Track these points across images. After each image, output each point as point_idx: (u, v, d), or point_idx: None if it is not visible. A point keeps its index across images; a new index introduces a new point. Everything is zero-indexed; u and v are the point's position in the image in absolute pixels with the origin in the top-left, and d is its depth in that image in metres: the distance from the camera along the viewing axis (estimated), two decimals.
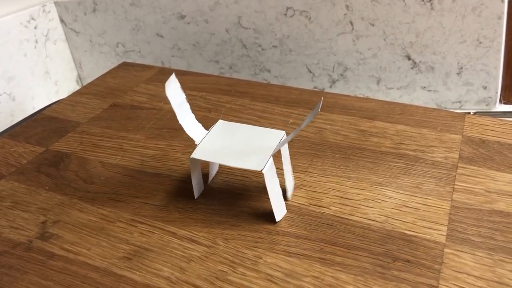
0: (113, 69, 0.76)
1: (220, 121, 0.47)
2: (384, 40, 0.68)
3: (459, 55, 0.66)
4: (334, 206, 0.45)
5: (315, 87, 0.78)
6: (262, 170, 0.40)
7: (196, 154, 0.43)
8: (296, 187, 0.47)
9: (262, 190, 0.47)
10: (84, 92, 0.69)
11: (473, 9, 0.63)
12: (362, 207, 0.44)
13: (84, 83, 0.99)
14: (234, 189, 0.48)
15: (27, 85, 0.88)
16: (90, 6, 0.88)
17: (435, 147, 0.52)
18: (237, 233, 0.42)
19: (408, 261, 0.39)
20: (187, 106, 0.45)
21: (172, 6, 0.81)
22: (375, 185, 0.47)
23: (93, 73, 0.96)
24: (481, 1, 0.62)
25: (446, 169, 0.49)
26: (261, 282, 0.38)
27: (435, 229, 0.41)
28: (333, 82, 0.75)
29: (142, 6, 0.84)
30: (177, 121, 0.43)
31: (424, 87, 0.70)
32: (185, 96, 0.44)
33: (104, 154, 0.54)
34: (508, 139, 0.52)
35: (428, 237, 0.41)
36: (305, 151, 0.53)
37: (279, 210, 0.43)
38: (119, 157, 0.54)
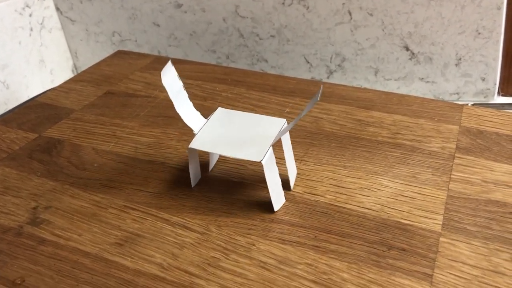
0: (108, 57, 0.75)
1: (219, 108, 0.46)
2: (383, 30, 0.68)
3: (457, 46, 0.66)
4: (329, 195, 0.44)
5: (312, 78, 0.77)
6: (261, 161, 0.40)
7: (194, 144, 0.42)
8: None
9: (259, 179, 0.47)
10: (79, 79, 0.68)
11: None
12: (358, 195, 0.44)
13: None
14: (231, 177, 0.47)
15: (21, 73, 0.87)
16: None
17: (432, 137, 0.51)
18: (231, 220, 0.42)
19: (403, 249, 0.38)
20: (184, 94, 0.44)
21: None
22: (371, 174, 0.47)
23: (89, 62, 0.95)
24: None
25: (443, 159, 0.48)
26: (253, 268, 0.37)
27: (431, 218, 0.41)
28: (331, 72, 0.75)
29: None
30: (172, 109, 0.42)
31: (422, 78, 0.69)
32: (182, 84, 0.44)
33: (97, 141, 0.54)
34: (506, 130, 0.52)
35: (423, 226, 0.40)
36: (301, 140, 0.52)
37: (278, 200, 0.43)
38: (112, 144, 0.53)
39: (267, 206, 0.43)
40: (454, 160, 0.48)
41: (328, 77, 0.76)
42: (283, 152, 0.44)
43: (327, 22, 0.71)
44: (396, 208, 0.42)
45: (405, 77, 0.70)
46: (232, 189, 0.46)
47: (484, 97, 0.68)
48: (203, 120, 0.45)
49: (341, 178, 0.46)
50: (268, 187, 0.41)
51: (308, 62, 0.75)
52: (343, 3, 0.68)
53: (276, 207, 0.43)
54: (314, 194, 0.44)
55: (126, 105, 0.61)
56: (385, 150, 0.50)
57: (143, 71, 0.69)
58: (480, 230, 0.40)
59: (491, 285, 0.35)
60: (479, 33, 0.63)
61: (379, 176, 0.46)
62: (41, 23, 0.90)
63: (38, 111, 0.61)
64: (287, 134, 0.44)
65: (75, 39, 0.94)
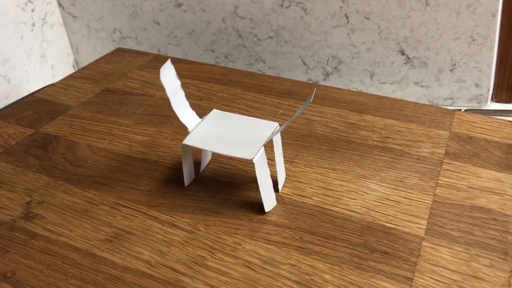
0: (108, 54, 0.76)
1: (214, 110, 0.47)
2: (379, 34, 0.68)
3: (452, 51, 0.66)
4: (317, 197, 0.45)
5: (309, 80, 0.78)
6: (252, 159, 0.40)
7: (188, 141, 0.43)
8: None
9: (249, 179, 0.48)
10: (78, 76, 0.69)
11: (467, 6, 0.63)
12: (345, 198, 0.45)
13: None
14: (222, 177, 0.48)
15: (22, 68, 0.88)
16: None
17: (422, 142, 0.52)
18: (219, 220, 0.43)
19: (386, 253, 0.39)
20: (182, 93, 0.45)
21: None
22: (359, 177, 0.47)
23: (89, 58, 0.96)
24: None
25: (431, 164, 0.49)
26: (238, 268, 0.38)
27: (415, 223, 0.42)
28: (327, 75, 0.75)
29: None
30: (168, 107, 0.43)
31: (417, 82, 0.70)
32: (180, 83, 0.44)
33: (92, 138, 0.55)
34: (495, 136, 0.53)
35: (407, 230, 0.41)
36: (293, 141, 0.53)
37: (269, 201, 0.43)
38: (107, 141, 0.54)
39: (255, 206, 0.44)
40: (442, 166, 0.49)
41: (324, 79, 0.76)
42: (274, 155, 0.45)
43: (324, 24, 0.71)
44: (382, 212, 0.43)
45: (400, 81, 0.70)
46: (223, 189, 0.47)
47: (478, 103, 0.68)
48: (198, 119, 0.46)
49: (330, 181, 0.47)
50: (259, 187, 0.42)
51: (305, 64, 0.76)
52: (340, 7, 0.69)
53: (267, 208, 0.43)
54: (302, 196, 0.45)
55: (123, 103, 0.62)
56: (375, 154, 0.51)
57: (141, 69, 0.70)
58: (463, 235, 0.40)
59: None
60: (474, 40, 0.64)
61: (367, 180, 0.47)
62: (43, 19, 0.91)
63: (36, 106, 0.62)
64: (279, 137, 0.45)
65: (76, 35, 0.95)
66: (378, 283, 0.36)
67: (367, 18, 0.68)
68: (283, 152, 0.51)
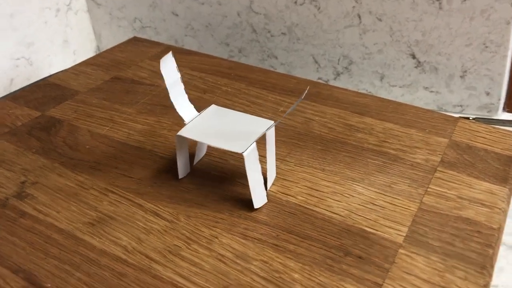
0: (123, 43, 0.77)
1: (213, 105, 0.48)
2: (390, 36, 0.67)
3: (464, 58, 0.65)
4: (301, 196, 0.45)
5: (319, 78, 0.77)
6: (243, 152, 0.41)
7: (183, 132, 0.44)
8: None
9: (239, 175, 0.48)
10: (91, 62, 0.71)
11: (481, 12, 0.61)
12: (329, 199, 0.45)
13: None
14: (215, 172, 0.49)
15: (45, 52, 0.91)
16: None
17: (418, 148, 0.51)
18: (201, 212, 0.43)
19: (360, 257, 0.39)
20: (181, 86, 0.45)
21: None
22: (347, 179, 0.47)
23: (111, 45, 0.98)
24: (490, 4, 0.60)
25: (424, 171, 0.48)
26: (210, 260, 0.39)
27: (395, 229, 0.41)
28: (338, 74, 0.75)
29: None
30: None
31: (427, 87, 0.68)
32: (180, 76, 0.45)
33: (94, 124, 0.56)
34: (496, 147, 0.51)
35: (386, 236, 0.41)
36: (288, 140, 0.53)
37: (258, 197, 0.44)
38: (107, 128, 0.55)
39: (240, 202, 0.44)
40: (435, 174, 0.48)
41: (335, 79, 0.76)
42: (266, 152, 0.45)
43: (337, 24, 0.71)
44: (363, 216, 0.43)
45: (410, 85, 0.69)
46: (212, 182, 0.47)
47: (488, 111, 0.66)
48: (196, 113, 0.46)
49: (317, 181, 0.47)
50: (249, 182, 0.42)
51: (316, 62, 0.76)
52: (353, 6, 0.68)
53: (257, 205, 0.43)
54: (286, 194, 0.45)
55: (130, 91, 0.63)
56: (368, 157, 0.50)
57: (152, 60, 0.71)
58: (442, 245, 0.40)
59: None
60: (486, 47, 0.62)
61: (354, 183, 0.47)
62: (68, 5, 0.94)
63: (46, 90, 0.64)
64: (273, 136, 0.45)
65: (99, 22, 0.97)
66: (346, 286, 0.36)
67: (380, 19, 0.67)
68: (276, 150, 0.51)
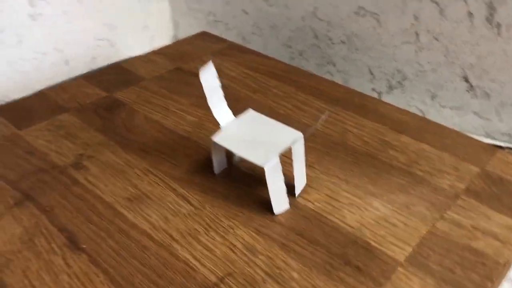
0: (192, 36, 0.83)
1: (250, 110, 0.51)
2: (445, 56, 0.67)
3: None
4: (319, 203, 0.48)
5: (373, 89, 0.79)
6: (263, 165, 0.44)
7: (215, 137, 0.47)
8: None
9: None
10: (160, 52, 0.78)
11: None
12: (344, 210, 0.47)
13: None
14: (250, 171, 0.53)
15: (126, 35, 1.00)
16: None
17: (446, 173, 0.52)
18: (225, 204, 0.48)
19: (358, 268, 0.41)
20: (220, 92, 0.48)
21: None
22: (368, 194, 0.49)
23: (186, 35, 1.05)
24: None
25: (445, 196, 0.49)
26: (223, 247, 0.43)
27: (400, 247, 0.43)
28: (391, 88, 0.76)
29: None
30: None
31: (477, 112, 0.68)
32: (220, 84, 0.48)
33: (151, 110, 0.63)
34: None
35: (389, 252, 0.43)
36: (321, 147, 0.56)
37: (279, 204, 0.46)
38: (160, 115, 0.61)
39: (263, 201, 0.48)
40: (457, 201, 0.49)
41: (387, 92, 0.77)
42: (292, 160, 0.47)
43: (394, 38, 0.72)
44: (373, 231, 0.45)
45: (460, 107, 0.69)
46: (242, 180, 0.51)
47: None
48: (232, 117, 0.49)
49: (338, 191, 0.50)
50: (269, 191, 0.45)
51: (372, 74, 0.77)
52: (412, 23, 0.69)
53: (277, 211, 0.47)
54: (305, 199, 0.49)
55: (188, 83, 0.69)
56: (393, 175, 0.52)
57: (214, 55, 0.77)
58: (442, 270, 0.41)
59: None
60: None
61: (374, 198, 0.49)
62: None
63: (118, 73, 0.71)
64: (300, 147, 0.47)
65: (178, 12, 1.04)
66: None
67: (436, 39, 0.67)
68: (307, 156, 0.54)
